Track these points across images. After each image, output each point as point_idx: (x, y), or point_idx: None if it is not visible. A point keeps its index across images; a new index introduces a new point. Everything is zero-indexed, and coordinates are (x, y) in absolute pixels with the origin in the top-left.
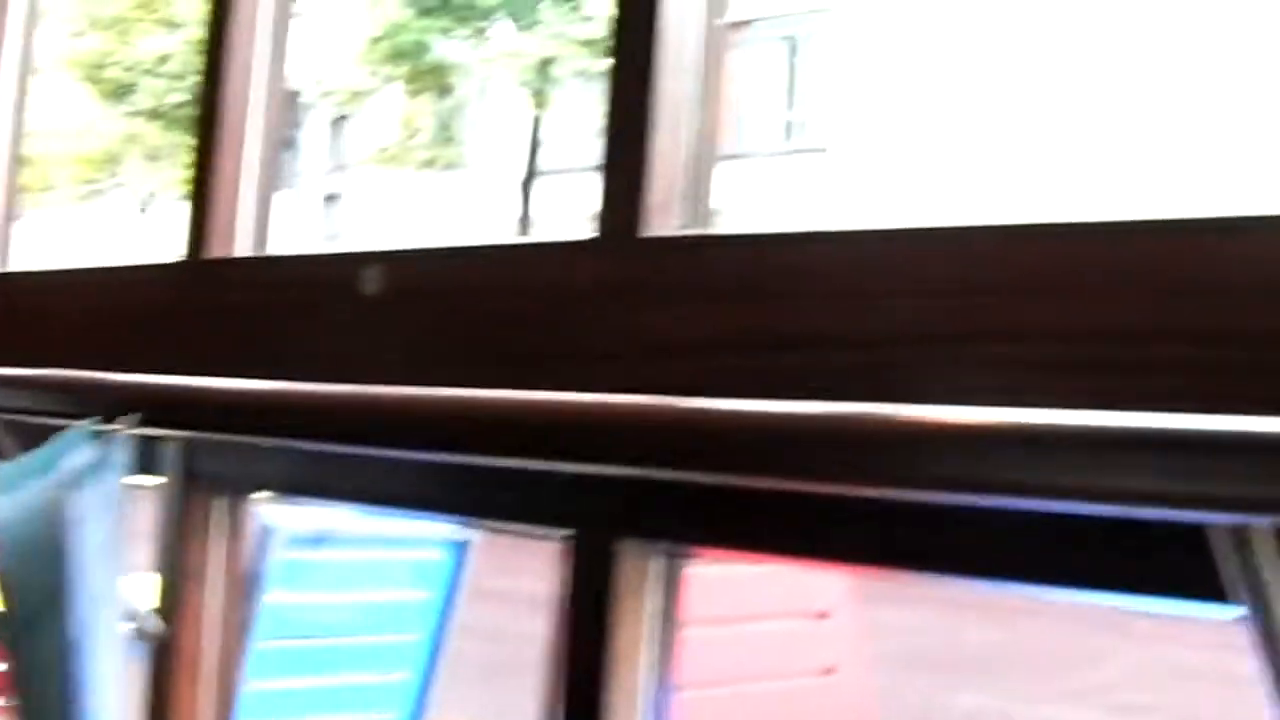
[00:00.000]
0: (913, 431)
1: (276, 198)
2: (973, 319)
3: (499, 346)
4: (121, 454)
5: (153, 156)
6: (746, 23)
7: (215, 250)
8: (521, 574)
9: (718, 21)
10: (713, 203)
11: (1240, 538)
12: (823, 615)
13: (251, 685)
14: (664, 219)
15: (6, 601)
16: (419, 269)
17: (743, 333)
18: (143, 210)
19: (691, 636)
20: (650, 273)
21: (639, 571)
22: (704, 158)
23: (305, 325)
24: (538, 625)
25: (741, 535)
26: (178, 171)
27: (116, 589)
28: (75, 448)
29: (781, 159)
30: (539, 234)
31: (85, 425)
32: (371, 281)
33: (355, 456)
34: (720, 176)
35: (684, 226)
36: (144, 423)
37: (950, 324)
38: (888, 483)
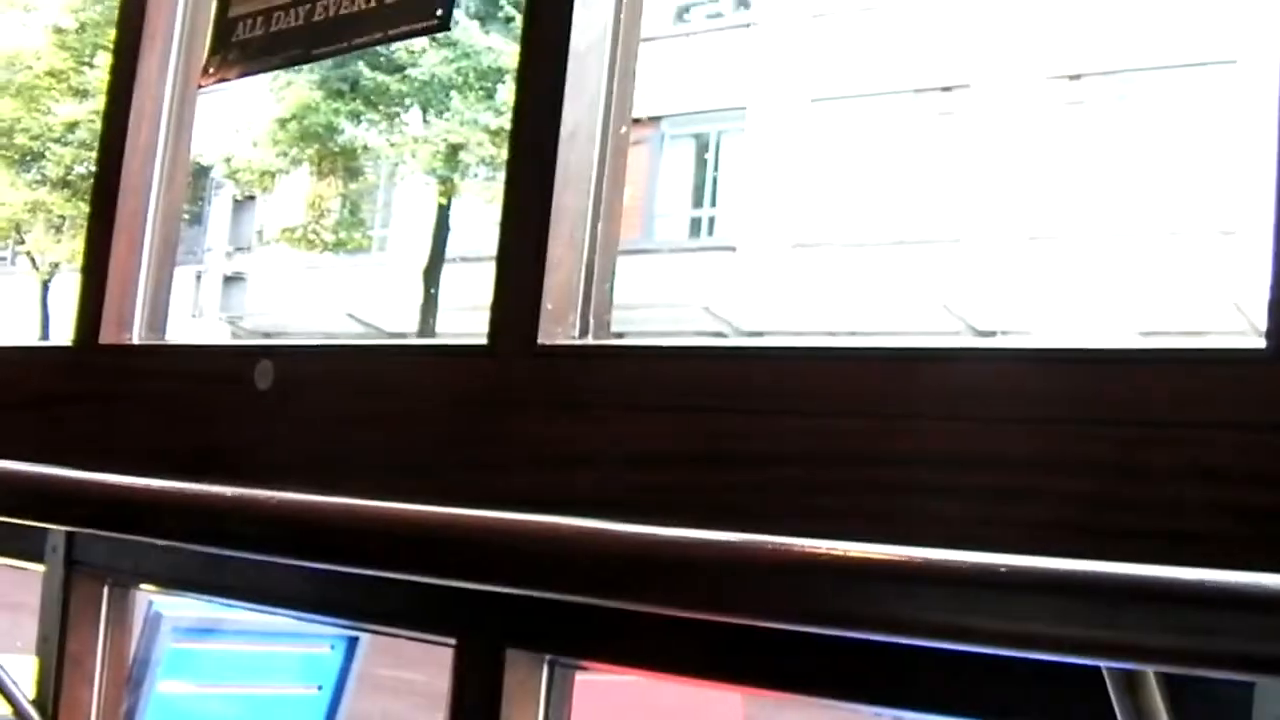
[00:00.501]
0: (800, 564)
1: (179, 273)
2: (868, 442)
3: (391, 448)
4: None
5: (58, 227)
6: (657, 119)
7: (109, 334)
8: (417, 666)
9: (621, 130)
10: (616, 302)
11: (1130, 682)
12: None
13: None
14: (559, 328)
15: None
16: (313, 365)
17: (634, 446)
18: (45, 281)
19: None
20: (543, 382)
21: (528, 679)
22: (602, 266)
23: (198, 417)
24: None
25: (629, 652)
26: (81, 244)
27: None
28: None
29: (691, 255)
30: (444, 321)
31: None
32: (265, 376)
33: (243, 557)
34: (628, 271)
35: (580, 336)
36: (26, 513)
37: (843, 446)
38: (764, 614)
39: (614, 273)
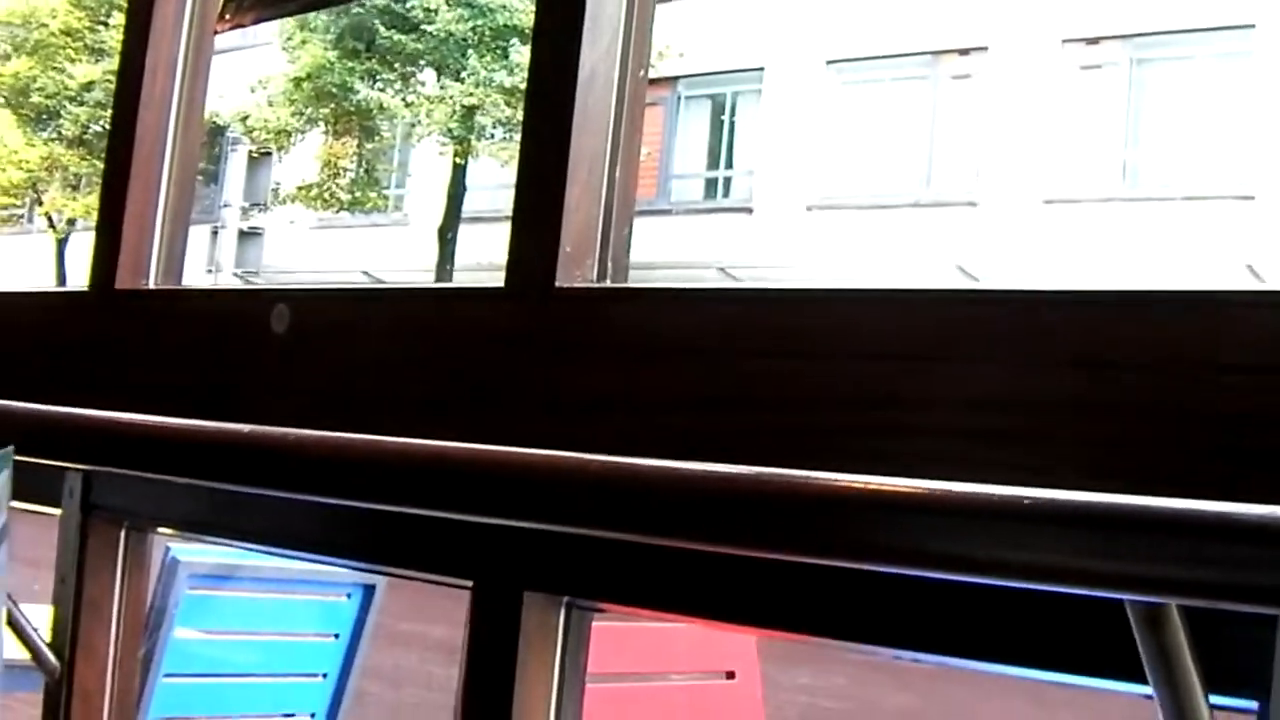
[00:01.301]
0: (825, 497)
1: (195, 230)
2: (888, 383)
3: (407, 392)
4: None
5: (74, 185)
6: (673, 80)
7: (125, 280)
8: (435, 620)
9: (638, 74)
10: (632, 257)
11: (1152, 617)
12: (730, 675)
13: None
14: (577, 271)
15: None
16: (329, 310)
17: (653, 388)
18: (61, 240)
19: (598, 691)
20: (561, 325)
21: (545, 621)
22: (620, 209)
23: (214, 361)
24: (446, 670)
25: (647, 594)
26: (96, 200)
27: None
28: None
29: (707, 216)
30: (460, 280)
31: None
32: (281, 320)
33: (261, 496)
34: (643, 232)
35: (598, 279)
36: (43, 452)
37: (863, 387)
38: (797, 549)
39: (632, 217)
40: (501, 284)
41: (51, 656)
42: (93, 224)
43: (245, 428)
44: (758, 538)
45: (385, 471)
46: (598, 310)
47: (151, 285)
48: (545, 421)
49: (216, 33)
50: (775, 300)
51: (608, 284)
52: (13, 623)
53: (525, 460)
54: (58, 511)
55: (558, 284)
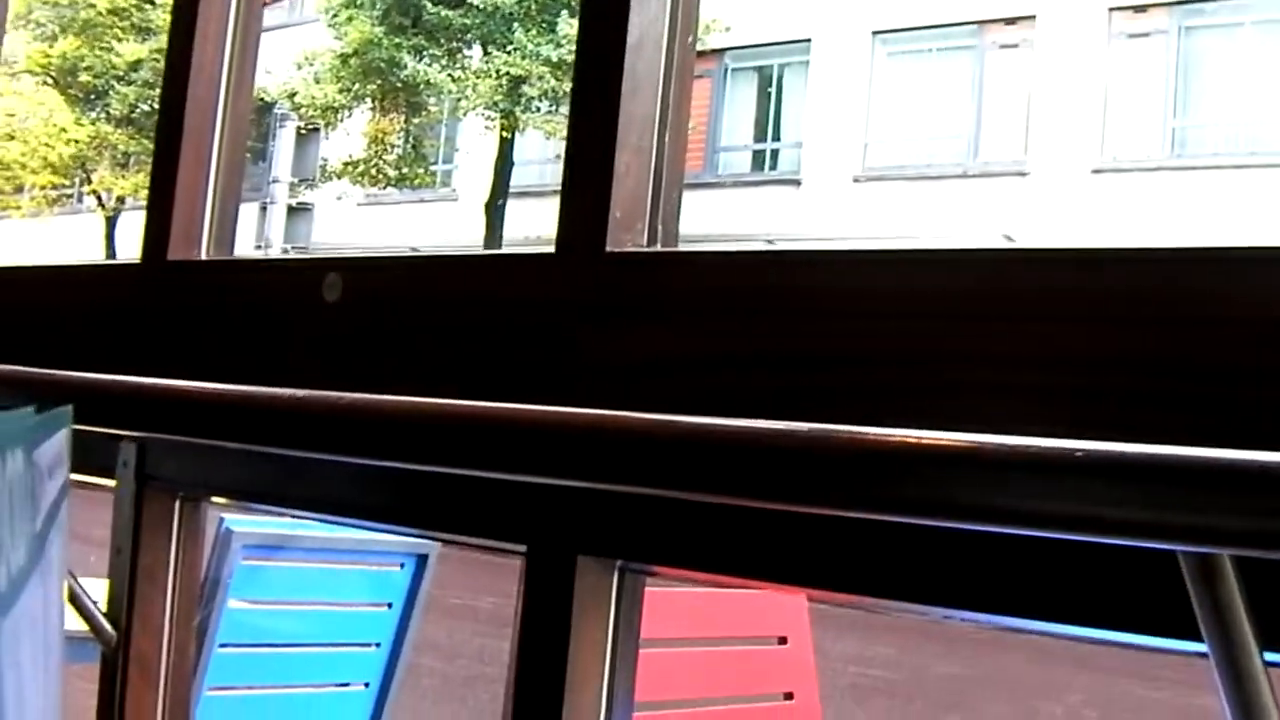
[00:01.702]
0: (880, 451)
1: (244, 208)
2: (937, 342)
3: (459, 357)
4: (65, 446)
5: (123, 164)
6: (720, 52)
7: (177, 251)
8: (483, 592)
9: (687, 40)
10: (680, 230)
11: (1205, 569)
12: (783, 640)
13: (209, 692)
14: (627, 236)
15: None
16: (381, 278)
17: (704, 350)
18: (111, 217)
19: (650, 656)
20: (612, 289)
21: (599, 585)
22: (670, 174)
23: (266, 330)
24: (498, 643)
25: (701, 555)
26: (144, 179)
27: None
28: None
29: (754, 189)
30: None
31: (25, 412)
32: (333, 289)
33: (314, 464)
34: (691, 204)
35: (648, 244)
36: (98, 421)
37: (912, 346)
38: (852, 504)
39: (681, 182)
40: (551, 249)
41: (108, 626)
42: (141, 202)
43: (300, 392)
44: (812, 493)
45: (441, 433)
46: (648, 274)
47: (203, 257)
48: (595, 385)
49: (265, 4)
50: (823, 262)
51: (658, 248)
52: (70, 594)
53: (580, 419)
54: (112, 482)
55: (608, 248)
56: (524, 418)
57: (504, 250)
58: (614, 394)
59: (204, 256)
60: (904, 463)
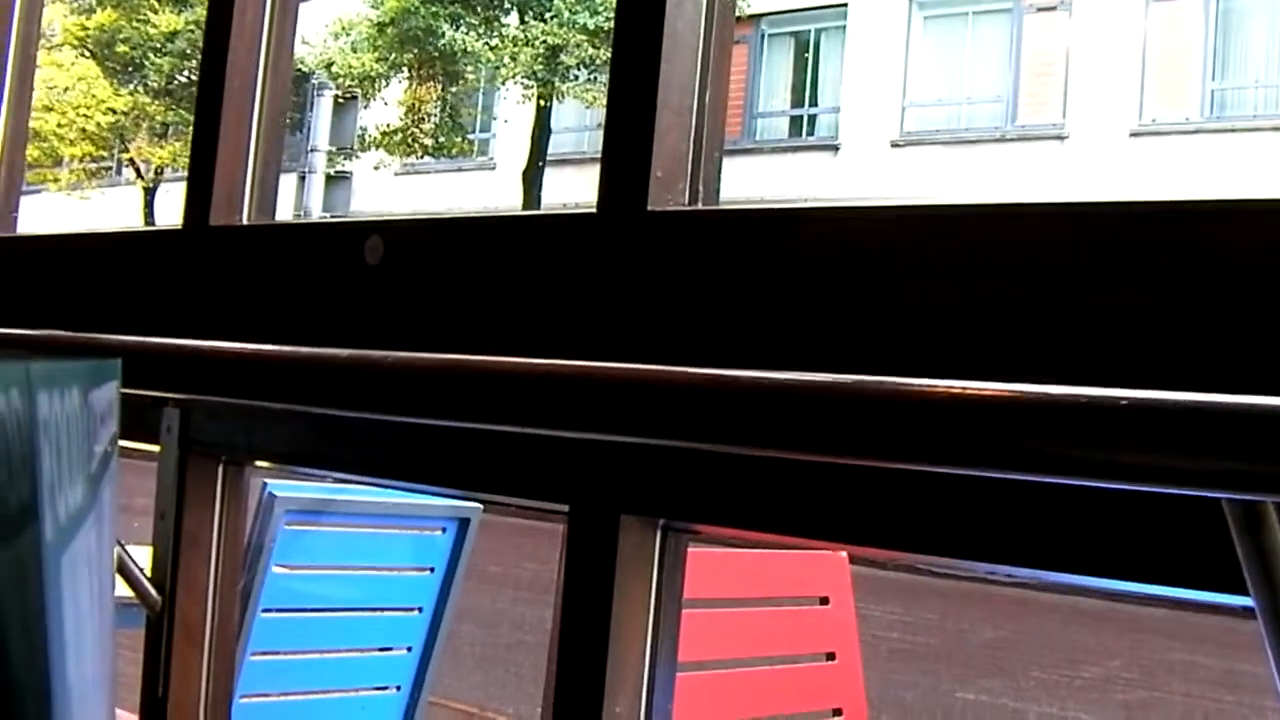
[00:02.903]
0: (924, 401)
1: (283, 178)
2: (989, 296)
3: (501, 318)
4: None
5: (161, 134)
6: (757, 18)
7: (219, 217)
8: (522, 560)
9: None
10: (719, 195)
11: (1250, 517)
12: (824, 601)
13: (252, 656)
14: (668, 196)
15: None
16: (423, 240)
17: (746, 308)
18: (149, 188)
19: (692, 616)
20: (654, 248)
21: (642, 544)
22: (710, 134)
23: (308, 293)
24: (538, 611)
25: (743, 513)
26: (182, 148)
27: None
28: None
29: (792, 154)
30: None
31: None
32: (375, 252)
33: (357, 426)
34: (729, 170)
35: (689, 204)
36: (144, 383)
37: (966, 301)
38: (894, 455)
39: (722, 142)
40: (593, 209)
41: (153, 591)
42: (180, 172)
43: (344, 351)
44: (855, 444)
45: (486, 389)
46: (690, 232)
47: (245, 222)
48: (638, 344)
49: None
50: (865, 219)
51: (699, 206)
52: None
53: (625, 374)
54: (155, 448)
55: (650, 208)
56: (568, 372)
57: (546, 211)
58: (656, 353)
59: (245, 222)
60: (947, 412)
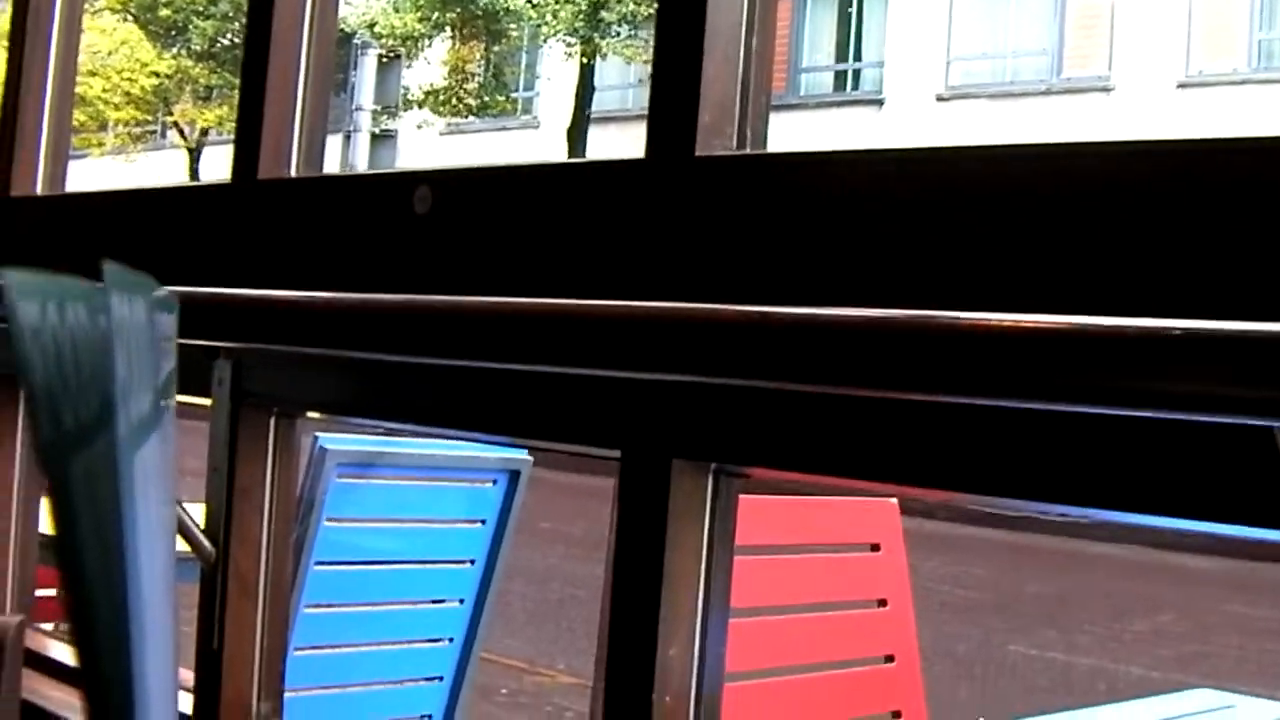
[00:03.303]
0: (975, 334)
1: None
2: (1038, 236)
3: (550, 265)
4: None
5: (204, 97)
6: None
7: (268, 170)
8: (573, 517)
9: None
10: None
11: None
12: (875, 547)
13: (306, 609)
14: (717, 140)
15: (40, 415)
16: (471, 189)
17: (796, 252)
18: (193, 150)
19: (743, 563)
20: (702, 193)
21: (694, 490)
22: (758, 79)
23: (357, 244)
24: (588, 568)
25: (795, 456)
26: (228, 112)
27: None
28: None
29: (837, 109)
30: None
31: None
32: (424, 202)
33: (407, 374)
34: (773, 126)
35: (737, 148)
36: (196, 333)
37: (1014, 242)
38: (948, 388)
39: (769, 87)
40: (641, 155)
41: (207, 544)
42: (225, 135)
43: (395, 296)
44: (910, 379)
45: (537, 330)
46: (738, 177)
47: (293, 174)
48: (688, 289)
49: None
50: (915, 159)
51: (747, 151)
52: None
53: (678, 313)
54: (208, 401)
55: (698, 153)
56: (618, 312)
57: (594, 158)
58: (705, 296)
59: (294, 174)
60: (1000, 345)
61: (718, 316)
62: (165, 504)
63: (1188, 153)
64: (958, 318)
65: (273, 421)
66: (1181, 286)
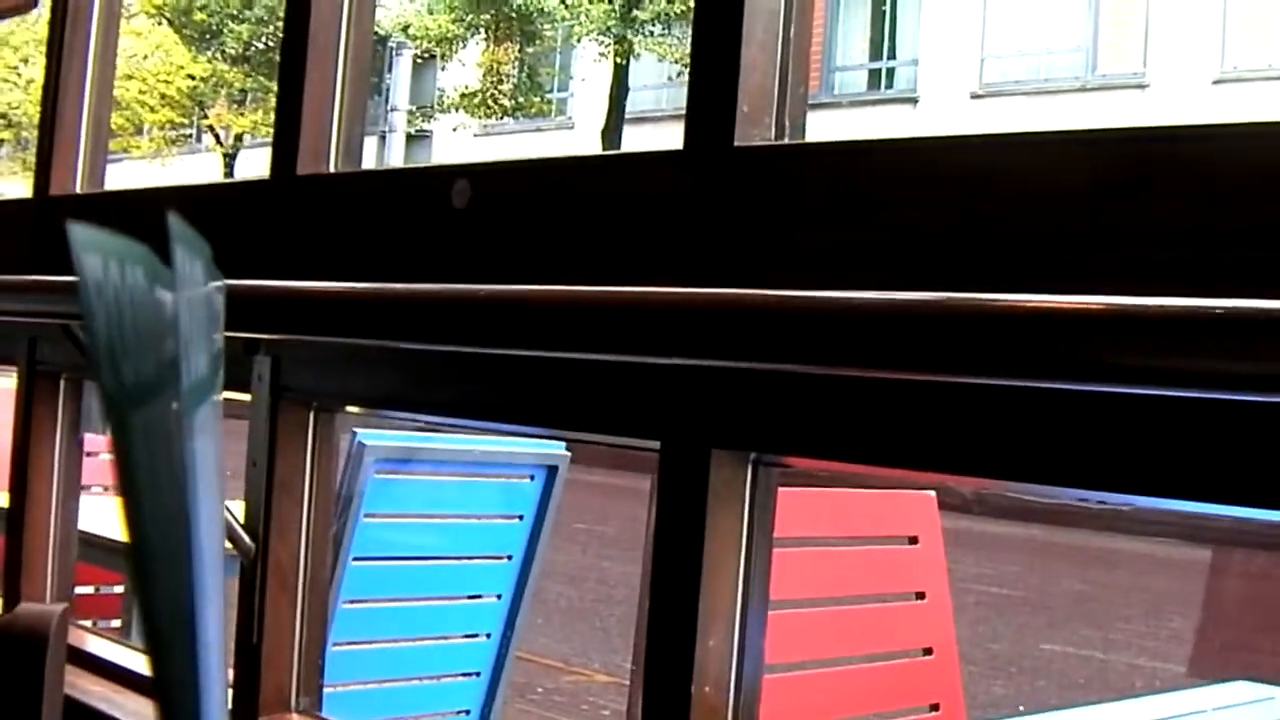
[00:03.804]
0: (1012, 316)
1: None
2: (1079, 222)
3: (590, 259)
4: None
5: (239, 100)
6: None
7: (306, 166)
8: (606, 518)
9: None
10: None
11: None
12: (913, 540)
13: (344, 605)
14: (755, 131)
15: (103, 369)
16: (511, 182)
17: (835, 242)
18: (228, 154)
19: (782, 555)
20: (741, 183)
21: (733, 480)
22: (796, 69)
23: (396, 239)
24: (622, 567)
25: (834, 444)
26: (262, 116)
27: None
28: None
29: (871, 108)
30: None
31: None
32: (462, 195)
33: (446, 367)
34: (809, 124)
35: (776, 138)
36: (237, 326)
37: (1057, 229)
38: (986, 370)
39: (808, 78)
40: (679, 146)
41: (246, 538)
42: (260, 139)
43: (435, 286)
44: (947, 360)
45: (577, 317)
46: (777, 167)
47: (332, 170)
48: (727, 280)
49: None
50: (955, 148)
51: (785, 141)
52: None
53: (718, 299)
54: (247, 397)
55: (736, 143)
56: (658, 299)
57: (634, 150)
58: (746, 286)
59: (333, 170)
60: (1040, 327)
61: (757, 303)
62: (217, 473)
63: (1219, 136)
64: (997, 300)
65: (312, 416)
66: (1222, 266)
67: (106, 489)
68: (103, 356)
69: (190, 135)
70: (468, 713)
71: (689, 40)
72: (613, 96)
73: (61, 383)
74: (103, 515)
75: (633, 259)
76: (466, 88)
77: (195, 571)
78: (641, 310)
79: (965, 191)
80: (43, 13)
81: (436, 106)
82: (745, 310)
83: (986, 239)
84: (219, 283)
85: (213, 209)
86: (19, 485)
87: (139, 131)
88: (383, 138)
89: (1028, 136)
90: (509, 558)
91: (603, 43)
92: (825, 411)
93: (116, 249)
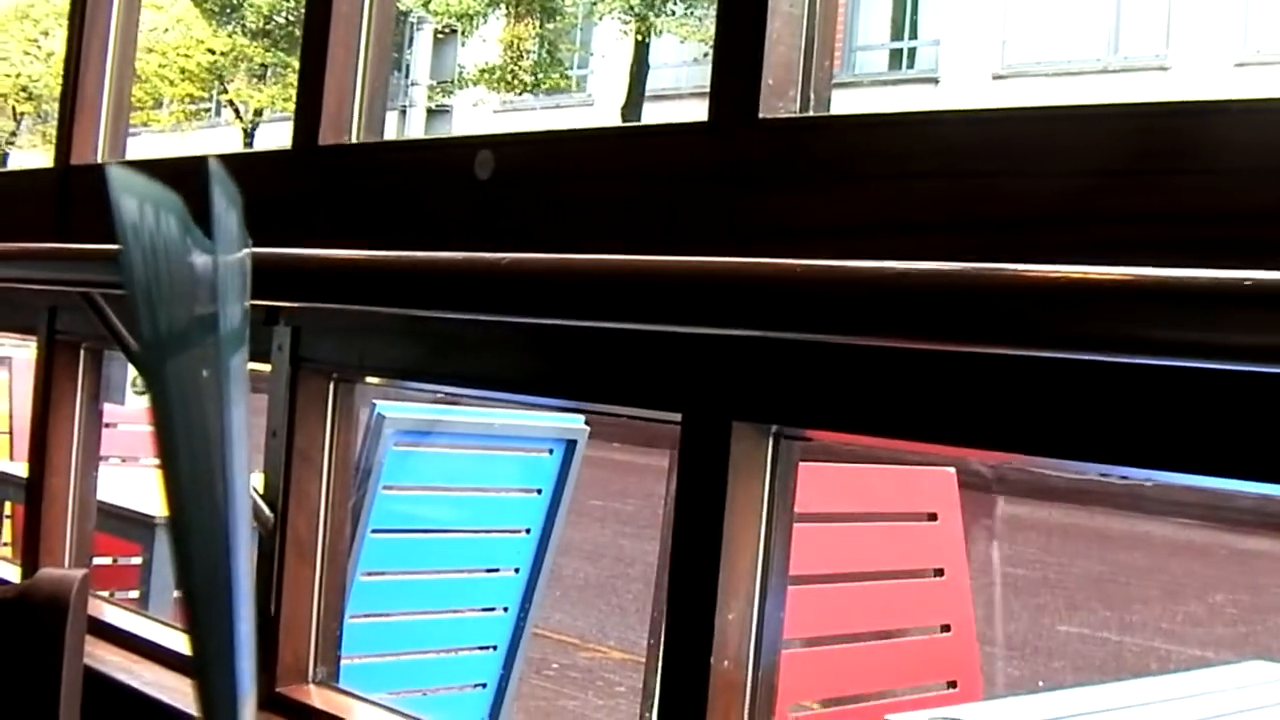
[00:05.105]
0: (1040, 287)
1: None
2: (1101, 199)
3: (614, 230)
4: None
5: (260, 75)
6: None
7: (328, 137)
8: (623, 495)
9: None
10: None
11: None
12: (933, 517)
13: (362, 577)
14: (780, 103)
15: (140, 315)
16: (534, 153)
17: (860, 214)
18: (248, 129)
19: (802, 531)
20: (766, 155)
21: (754, 453)
22: (821, 42)
23: (419, 211)
24: (639, 544)
25: (855, 418)
26: (281, 90)
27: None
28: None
29: (893, 88)
30: None
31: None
32: (485, 166)
33: (466, 337)
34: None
35: (800, 111)
36: (259, 294)
37: (1069, 205)
38: (1013, 340)
39: (833, 50)
40: (705, 119)
41: (266, 508)
42: (280, 113)
43: (456, 255)
44: (973, 331)
45: (600, 287)
46: (802, 139)
47: (354, 141)
48: (750, 250)
49: None
50: (979, 120)
51: (810, 113)
52: None
53: (742, 268)
54: (267, 367)
55: (761, 115)
56: (680, 268)
57: (659, 121)
58: (769, 258)
59: (355, 141)
60: (1065, 297)
61: (781, 273)
62: (245, 431)
63: (1243, 111)
64: (1024, 270)
65: (331, 386)
66: (1246, 238)
67: (124, 460)
68: (140, 301)
69: (210, 109)
70: (484, 686)
71: (709, 22)
72: (633, 74)
73: (81, 352)
74: (121, 486)
75: (656, 229)
76: (487, 63)
77: (230, 527)
78: (664, 280)
79: (988, 163)
80: None
81: (456, 82)
82: (768, 280)
83: (1009, 211)
84: (248, 241)
85: (234, 178)
86: (39, 454)
87: (158, 105)
88: (403, 112)
89: (1050, 110)
90: (527, 531)
91: (624, 20)
92: (847, 384)
93: (152, 194)
